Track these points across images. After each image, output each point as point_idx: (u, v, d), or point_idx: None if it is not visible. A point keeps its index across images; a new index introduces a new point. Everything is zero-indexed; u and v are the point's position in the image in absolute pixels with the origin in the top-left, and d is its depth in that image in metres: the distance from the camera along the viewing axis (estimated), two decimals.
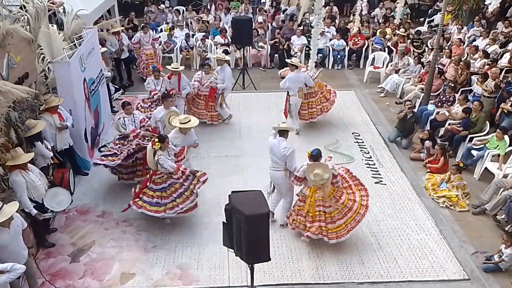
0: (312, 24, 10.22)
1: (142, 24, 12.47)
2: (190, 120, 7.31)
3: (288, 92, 9.34)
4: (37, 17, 7.15)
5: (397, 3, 14.69)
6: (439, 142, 8.70)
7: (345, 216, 6.33)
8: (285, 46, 13.13)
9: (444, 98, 9.86)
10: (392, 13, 14.97)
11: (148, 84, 9.05)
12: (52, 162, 7.08)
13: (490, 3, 8.35)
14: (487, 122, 8.85)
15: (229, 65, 10.78)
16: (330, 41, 13.35)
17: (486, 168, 8.09)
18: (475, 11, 13.37)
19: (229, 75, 9.93)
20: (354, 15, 14.79)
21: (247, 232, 4.58)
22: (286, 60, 10.27)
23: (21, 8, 7.47)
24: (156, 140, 6.50)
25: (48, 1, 8.80)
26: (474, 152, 8.35)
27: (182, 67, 9.65)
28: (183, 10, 16.03)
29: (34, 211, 5.99)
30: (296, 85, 9.17)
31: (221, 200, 7.24)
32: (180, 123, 7.21)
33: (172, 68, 9.30)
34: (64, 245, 6.64)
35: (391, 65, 12.01)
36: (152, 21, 14.72)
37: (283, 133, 6.61)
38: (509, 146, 8.03)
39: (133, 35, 12.33)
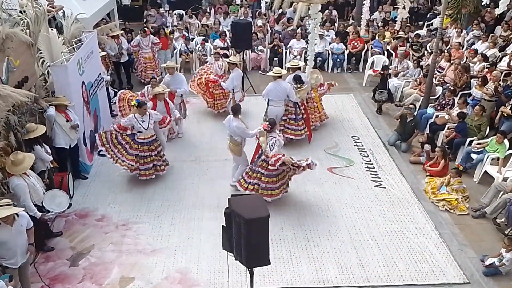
0: (309, 30, 10.18)
1: (142, 28, 12.48)
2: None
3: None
4: (36, 21, 7.15)
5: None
6: (440, 145, 8.70)
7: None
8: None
9: (443, 102, 9.87)
10: (391, 17, 15.02)
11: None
12: (52, 165, 7.07)
13: (487, 3, 8.33)
14: (487, 126, 8.85)
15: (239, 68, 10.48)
16: (329, 44, 13.37)
17: (485, 171, 8.09)
18: (474, 15, 13.39)
19: (233, 77, 9.82)
20: (354, 19, 14.78)
21: (247, 235, 4.56)
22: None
23: (20, 12, 7.48)
24: (266, 123, 7.12)
25: (47, 5, 8.84)
26: (473, 156, 8.35)
27: (177, 65, 9.51)
28: (183, 14, 16.05)
29: (39, 214, 5.99)
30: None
31: (221, 204, 7.28)
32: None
33: (156, 91, 8.38)
34: (63, 249, 6.62)
35: (391, 69, 12.03)
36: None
37: (278, 77, 8.59)
38: (509, 149, 8.04)
39: (132, 39, 12.36)
